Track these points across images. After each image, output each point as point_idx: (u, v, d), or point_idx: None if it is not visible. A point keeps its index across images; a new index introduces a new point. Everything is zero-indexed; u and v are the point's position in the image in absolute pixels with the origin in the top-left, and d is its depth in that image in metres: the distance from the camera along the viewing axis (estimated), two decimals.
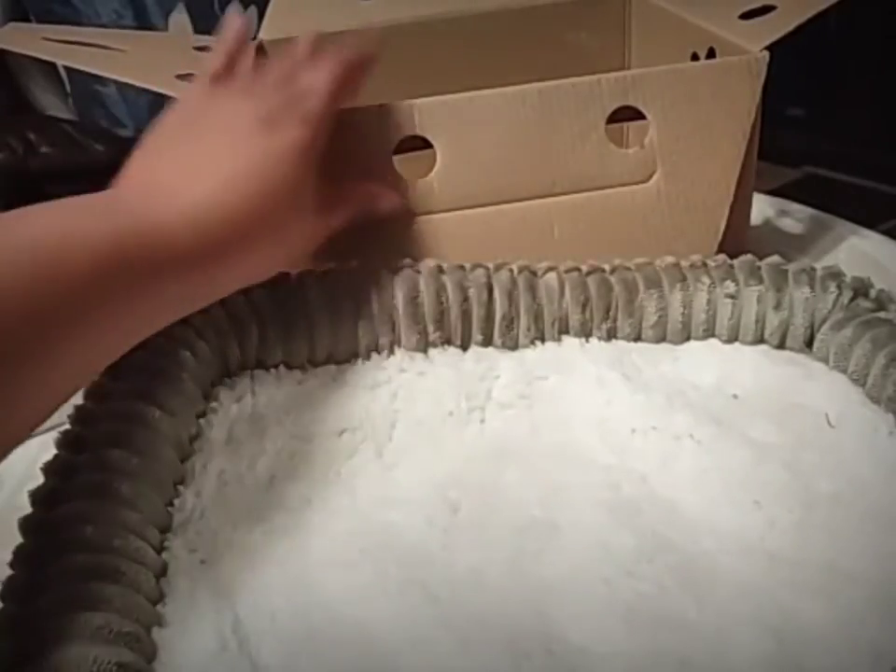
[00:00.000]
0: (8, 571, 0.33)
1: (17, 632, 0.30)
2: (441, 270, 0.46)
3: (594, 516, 0.38)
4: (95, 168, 1.54)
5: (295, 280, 0.46)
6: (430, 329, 0.46)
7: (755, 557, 0.35)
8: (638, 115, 0.49)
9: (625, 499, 0.38)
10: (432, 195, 0.49)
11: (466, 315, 0.46)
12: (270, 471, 0.40)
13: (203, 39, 0.63)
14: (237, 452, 0.41)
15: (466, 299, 0.46)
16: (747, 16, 0.53)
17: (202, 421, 0.42)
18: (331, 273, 0.46)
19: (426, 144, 0.49)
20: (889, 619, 0.32)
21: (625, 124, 0.51)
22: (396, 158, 0.49)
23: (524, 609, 0.34)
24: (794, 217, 0.66)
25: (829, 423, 0.41)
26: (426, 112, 0.47)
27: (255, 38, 0.65)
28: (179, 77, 0.52)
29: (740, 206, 0.56)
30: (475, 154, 0.49)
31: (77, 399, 0.40)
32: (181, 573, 0.35)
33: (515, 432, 0.43)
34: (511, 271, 0.47)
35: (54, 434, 0.47)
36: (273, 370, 0.45)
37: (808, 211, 0.67)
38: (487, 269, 0.47)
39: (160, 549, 0.36)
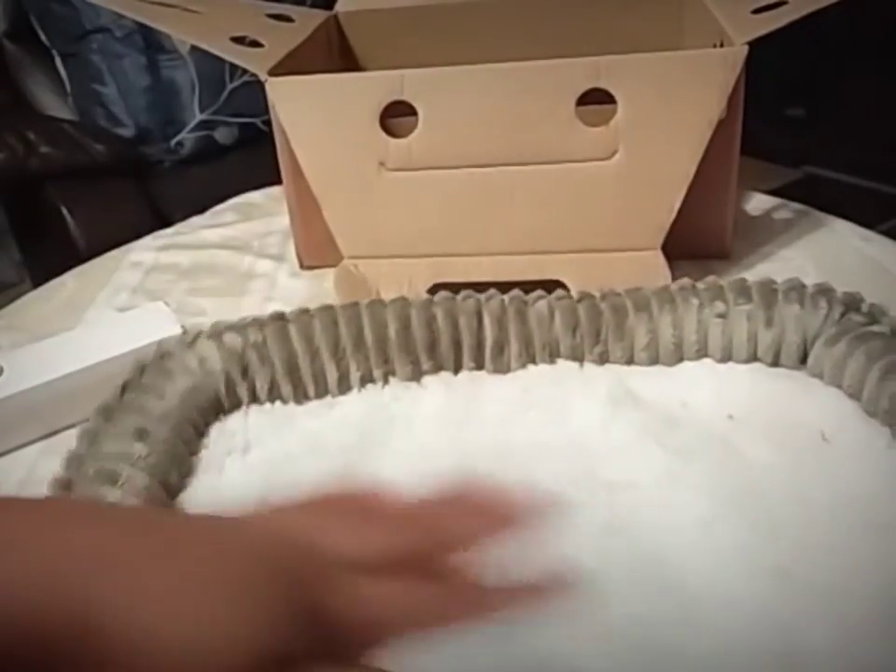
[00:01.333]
0: None
1: None
2: (431, 301, 0.48)
3: (590, 529, 0.38)
4: (95, 168, 1.54)
5: (290, 317, 0.47)
6: (423, 358, 0.47)
7: (757, 577, 0.35)
8: (612, 99, 0.51)
9: (624, 517, 0.38)
10: (410, 154, 0.53)
11: (457, 344, 0.47)
12: (259, 499, 0.41)
13: (280, 8, 0.68)
14: (226, 484, 0.42)
15: (456, 327, 0.47)
16: (763, 10, 0.55)
17: (194, 458, 0.43)
18: (327, 308, 0.48)
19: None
20: (891, 638, 0.32)
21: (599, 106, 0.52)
22: (391, 121, 0.53)
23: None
24: (798, 219, 0.66)
25: (824, 438, 0.42)
26: (411, 80, 0.52)
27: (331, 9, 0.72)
28: (233, 39, 0.57)
29: (720, 206, 0.58)
30: (451, 121, 0.53)
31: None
32: None
33: (515, 436, 0.43)
34: (503, 300, 0.48)
35: (53, 440, 0.48)
36: (267, 404, 0.47)
37: (812, 213, 0.67)
38: (478, 299, 0.48)
39: None
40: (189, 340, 0.46)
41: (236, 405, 0.46)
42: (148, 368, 0.45)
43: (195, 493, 0.41)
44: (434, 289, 0.55)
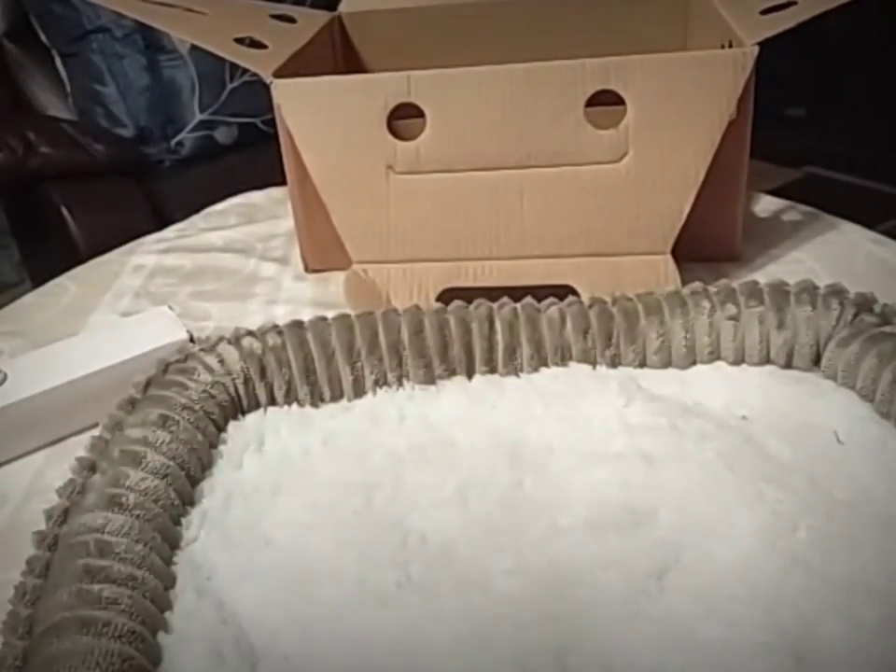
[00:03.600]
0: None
1: (27, 629, 0.31)
2: (444, 309, 0.48)
3: (611, 518, 0.38)
4: (95, 168, 1.54)
5: (307, 325, 0.48)
6: (436, 362, 0.47)
7: (774, 563, 0.35)
8: (622, 100, 0.51)
9: (643, 503, 0.38)
10: (418, 157, 0.53)
11: (468, 348, 0.47)
12: (273, 488, 0.41)
13: (283, 8, 0.67)
14: (244, 476, 0.42)
15: (468, 332, 0.47)
16: (771, 10, 0.54)
17: (213, 451, 0.43)
18: (343, 316, 0.48)
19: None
20: None
21: (608, 108, 0.52)
22: (399, 122, 0.53)
23: (534, 618, 0.34)
24: (807, 222, 0.66)
25: (838, 440, 0.41)
26: (419, 82, 0.52)
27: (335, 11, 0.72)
28: (237, 40, 0.57)
29: (729, 208, 0.58)
30: (459, 123, 0.52)
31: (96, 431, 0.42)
32: (188, 585, 0.36)
33: (529, 437, 0.43)
34: (515, 308, 0.48)
35: (59, 448, 0.48)
36: (285, 406, 0.47)
37: (821, 215, 0.67)
38: (490, 307, 0.48)
39: (169, 562, 0.37)
40: (210, 344, 0.47)
41: (255, 406, 0.47)
42: (172, 366, 0.45)
43: (214, 482, 0.42)
44: (444, 294, 0.55)
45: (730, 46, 0.56)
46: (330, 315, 0.48)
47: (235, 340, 0.47)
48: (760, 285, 0.47)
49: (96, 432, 0.42)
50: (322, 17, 0.69)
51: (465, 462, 0.42)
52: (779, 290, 0.47)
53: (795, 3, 0.53)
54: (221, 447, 0.44)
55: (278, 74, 0.54)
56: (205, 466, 0.42)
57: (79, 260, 0.71)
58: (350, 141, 0.53)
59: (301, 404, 0.47)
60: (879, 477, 0.39)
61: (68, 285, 0.68)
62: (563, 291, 0.51)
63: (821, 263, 0.59)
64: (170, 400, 0.43)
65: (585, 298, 0.49)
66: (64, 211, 1.43)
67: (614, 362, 0.47)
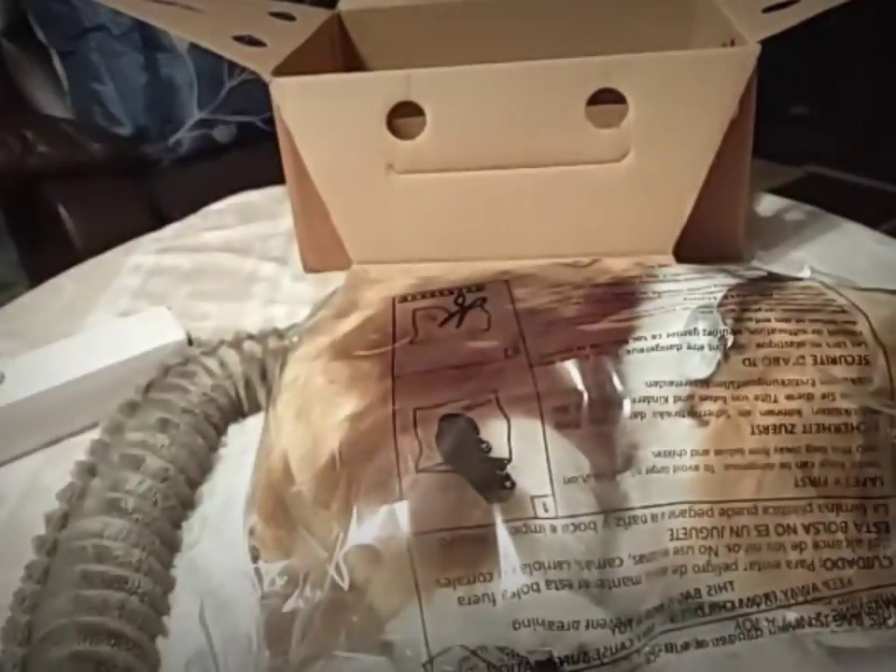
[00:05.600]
0: (12, 589, 0.34)
1: (26, 636, 0.32)
2: None
3: None
4: (93, 167, 1.54)
5: None
6: None
7: None
8: (623, 99, 0.50)
9: None
10: (418, 156, 0.53)
11: None
12: None
13: (282, 6, 0.67)
14: (244, 480, 0.42)
15: None
16: (773, 8, 0.54)
17: (213, 455, 0.44)
18: None
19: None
20: None
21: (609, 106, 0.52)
22: (400, 121, 0.53)
23: None
24: (809, 221, 0.66)
25: None
26: (419, 81, 0.51)
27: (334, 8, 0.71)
28: (235, 38, 0.56)
29: (731, 208, 0.58)
30: (460, 122, 0.52)
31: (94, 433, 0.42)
32: (188, 590, 0.36)
33: None
34: None
35: (56, 449, 0.47)
36: None
37: (824, 214, 0.66)
38: None
39: (168, 566, 0.37)
40: (211, 347, 0.47)
41: (255, 409, 0.47)
42: (172, 369, 0.45)
43: (215, 485, 0.42)
44: None
45: (732, 44, 0.56)
46: None
47: (236, 343, 0.47)
48: None
49: (95, 434, 0.42)
50: (321, 14, 0.69)
51: None
52: None
53: (797, 1, 0.53)
54: (222, 451, 0.44)
55: (277, 72, 0.53)
56: (206, 469, 0.43)
57: (77, 260, 0.71)
58: (350, 140, 0.53)
59: None
60: None
61: (66, 284, 0.67)
62: None
63: (823, 263, 0.59)
64: (170, 404, 0.43)
65: None
66: (62, 210, 1.43)
67: None
